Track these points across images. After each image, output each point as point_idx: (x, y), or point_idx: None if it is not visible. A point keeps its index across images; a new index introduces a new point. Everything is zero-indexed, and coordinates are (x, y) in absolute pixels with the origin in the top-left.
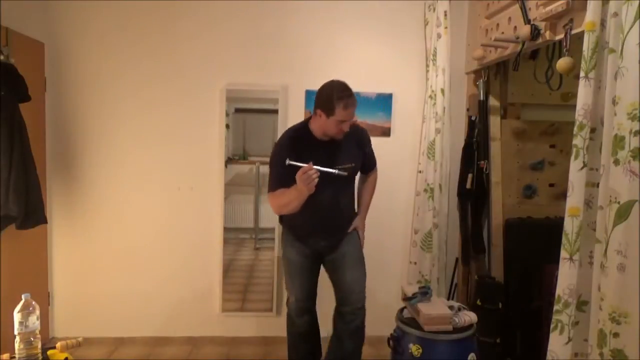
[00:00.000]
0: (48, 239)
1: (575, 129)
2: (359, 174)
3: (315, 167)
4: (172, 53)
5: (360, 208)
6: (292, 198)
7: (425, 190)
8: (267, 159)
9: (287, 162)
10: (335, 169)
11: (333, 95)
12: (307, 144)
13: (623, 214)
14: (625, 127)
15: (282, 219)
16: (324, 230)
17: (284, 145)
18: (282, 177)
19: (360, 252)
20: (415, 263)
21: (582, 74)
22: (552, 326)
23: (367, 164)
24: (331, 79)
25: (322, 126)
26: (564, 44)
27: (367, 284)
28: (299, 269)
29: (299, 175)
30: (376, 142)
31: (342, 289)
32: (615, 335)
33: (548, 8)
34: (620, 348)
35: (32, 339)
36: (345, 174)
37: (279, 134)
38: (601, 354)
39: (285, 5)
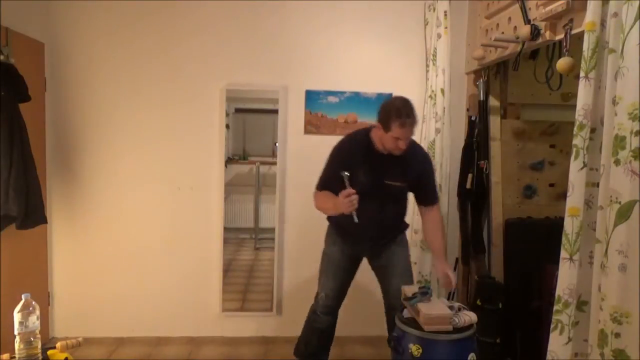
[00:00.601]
0: (48, 239)
1: (575, 129)
2: (416, 206)
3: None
4: (172, 53)
5: (435, 252)
6: (329, 207)
7: None
8: (267, 159)
9: (344, 174)
10: (384, 182)
11: (392, 113)
12: (365, 152)
13: (624, 214)
14: (626, 127)
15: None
16: (366, 235)
17: (342, 150)
18: (328, 180)
19: (407, 262)
20: (415, 263)
21: (582, 74)
22: (552, 326)
23: (424, 194)
24: (395, 96)
25: (380, 138)
26: (564, 44)
27: (367, 284)
28: (336, 266)
29: (341, 195)
30: None
31: (388, 295)
32: (617, 335)
33: (548, 8)
34: (622, 348)
35: (32, 339)
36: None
37: (279, 134)
38: (602, 354)
39: (285, 6)
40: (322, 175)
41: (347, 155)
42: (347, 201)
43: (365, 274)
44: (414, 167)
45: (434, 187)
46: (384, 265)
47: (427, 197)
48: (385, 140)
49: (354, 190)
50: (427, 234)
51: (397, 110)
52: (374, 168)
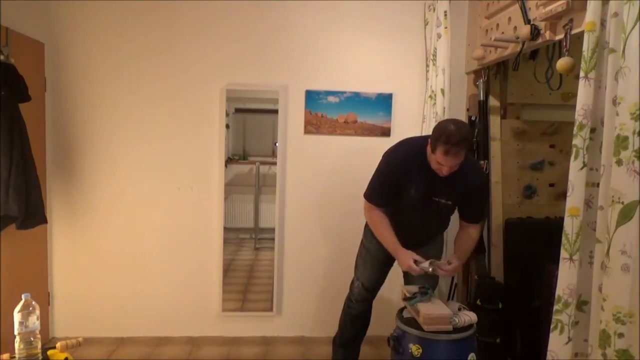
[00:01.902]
0: (48, 239)
1: (575, 129)
2: (458, 219)
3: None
4: (172, 53)
5: (455, 254)
6: (386, 242)
7: None
8: (267, 159)
9: (429, 268)
10: (432, 199)
11: (441, 136)
12: (419, 168)
13: (627, 214)
14: (629, 127)
15: None
16: (404, 241)
17: (397, 166)
18: (381, 191)
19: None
20: None
21: (582, 74)
22: (552, 326)
23: (467, 212)
24: (453, 119)
25: (429, 155)
26: (564, 44)
27: None
28: (374, 260)
29: (411, 261)
30: (376, 142)
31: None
32: (620, 335)
33: (548, 8)
34: (626, 348)
35: (32, 339)
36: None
37: (279, 134)
38: (604, 355)
39: (286, 5)
40: (374, 184)
41: (402, 172)
42: (410, 269)
43: None
44: (463, 187)
45: (480, 207)
46: None
47: (470, 216)
48: (431, 160)
49: (418, 269)
50: (455, 243)
51: (448, 136)
52: (425, 184)
